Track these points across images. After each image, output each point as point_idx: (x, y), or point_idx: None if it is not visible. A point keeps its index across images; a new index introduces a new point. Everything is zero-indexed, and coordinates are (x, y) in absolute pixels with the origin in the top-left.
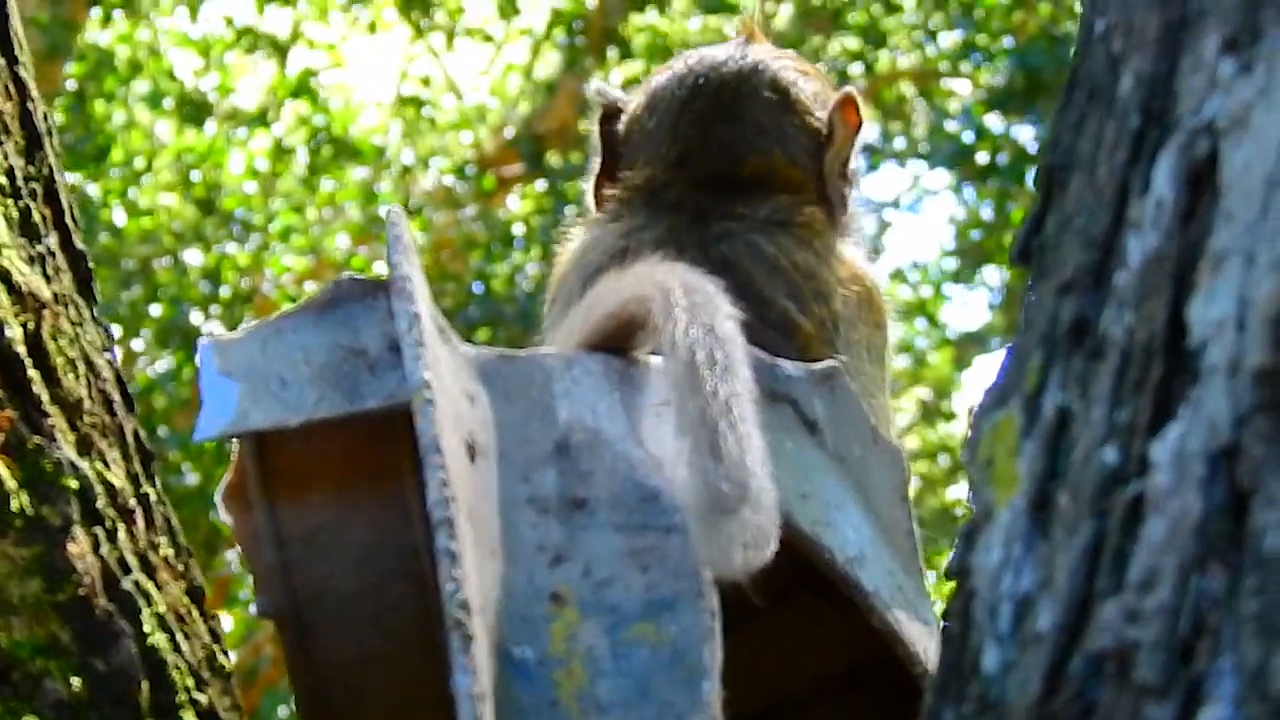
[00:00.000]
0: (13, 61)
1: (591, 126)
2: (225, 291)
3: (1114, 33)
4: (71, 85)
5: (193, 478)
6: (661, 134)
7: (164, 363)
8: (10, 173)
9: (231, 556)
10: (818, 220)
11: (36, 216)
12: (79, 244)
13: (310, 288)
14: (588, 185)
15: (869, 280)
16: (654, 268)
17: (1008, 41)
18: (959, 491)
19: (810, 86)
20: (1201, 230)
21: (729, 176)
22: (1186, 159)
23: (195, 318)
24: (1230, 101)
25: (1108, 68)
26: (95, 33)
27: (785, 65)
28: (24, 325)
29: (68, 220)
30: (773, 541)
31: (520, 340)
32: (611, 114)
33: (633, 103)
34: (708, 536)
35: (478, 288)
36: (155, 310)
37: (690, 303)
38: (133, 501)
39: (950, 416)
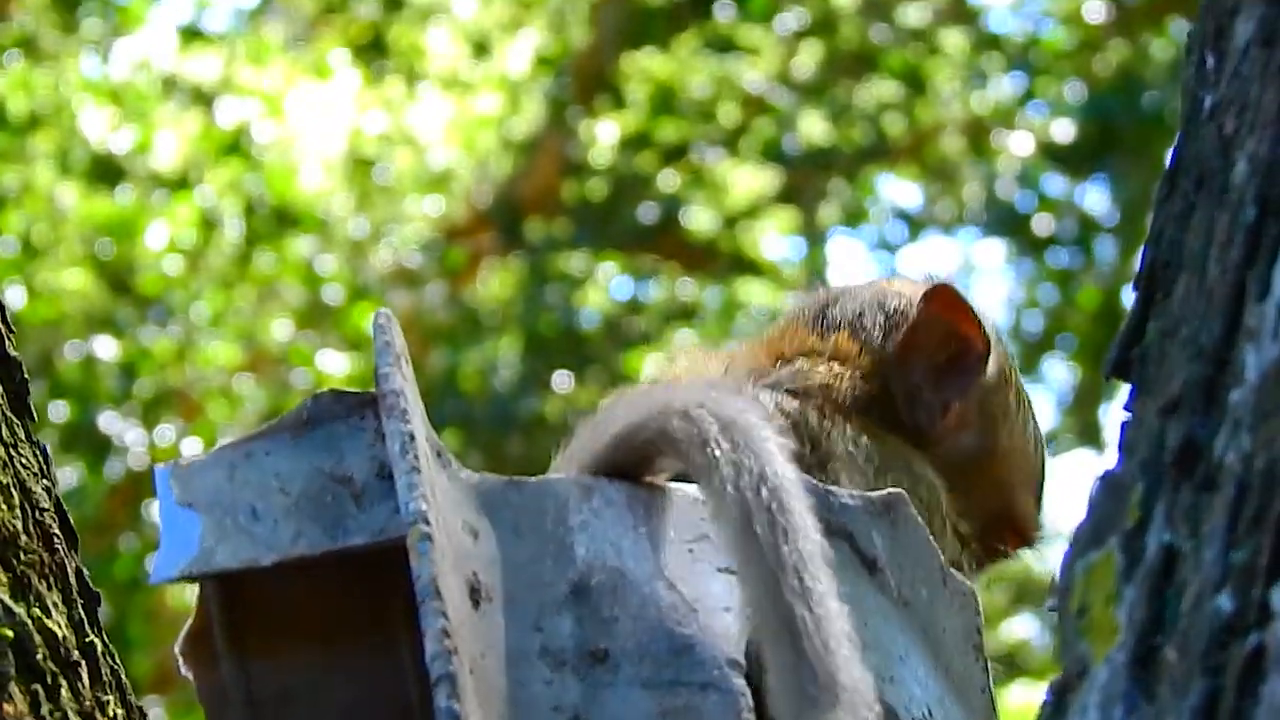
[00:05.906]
0: None
1: None
2: (142, 388)
3: (1225, 110)
4: None
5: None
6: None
7: (70, 473)
8: None
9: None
10: (834, 382)
11: None
12: (13, 351)
13: (243, 382)
14: None
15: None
16: (672, 387)
17: (1073, 90)
18: (1020, 628)
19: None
20: None
21: (806, 348)
22: None
23: (107, 420)
24: None
25: (1218, 150)
26: None
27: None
28: None
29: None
30: None
31: (496, 445)
32: None
33: None
34: None
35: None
36: (58, 410)
37: (730, 441)
38: (76, 653)
39: None
